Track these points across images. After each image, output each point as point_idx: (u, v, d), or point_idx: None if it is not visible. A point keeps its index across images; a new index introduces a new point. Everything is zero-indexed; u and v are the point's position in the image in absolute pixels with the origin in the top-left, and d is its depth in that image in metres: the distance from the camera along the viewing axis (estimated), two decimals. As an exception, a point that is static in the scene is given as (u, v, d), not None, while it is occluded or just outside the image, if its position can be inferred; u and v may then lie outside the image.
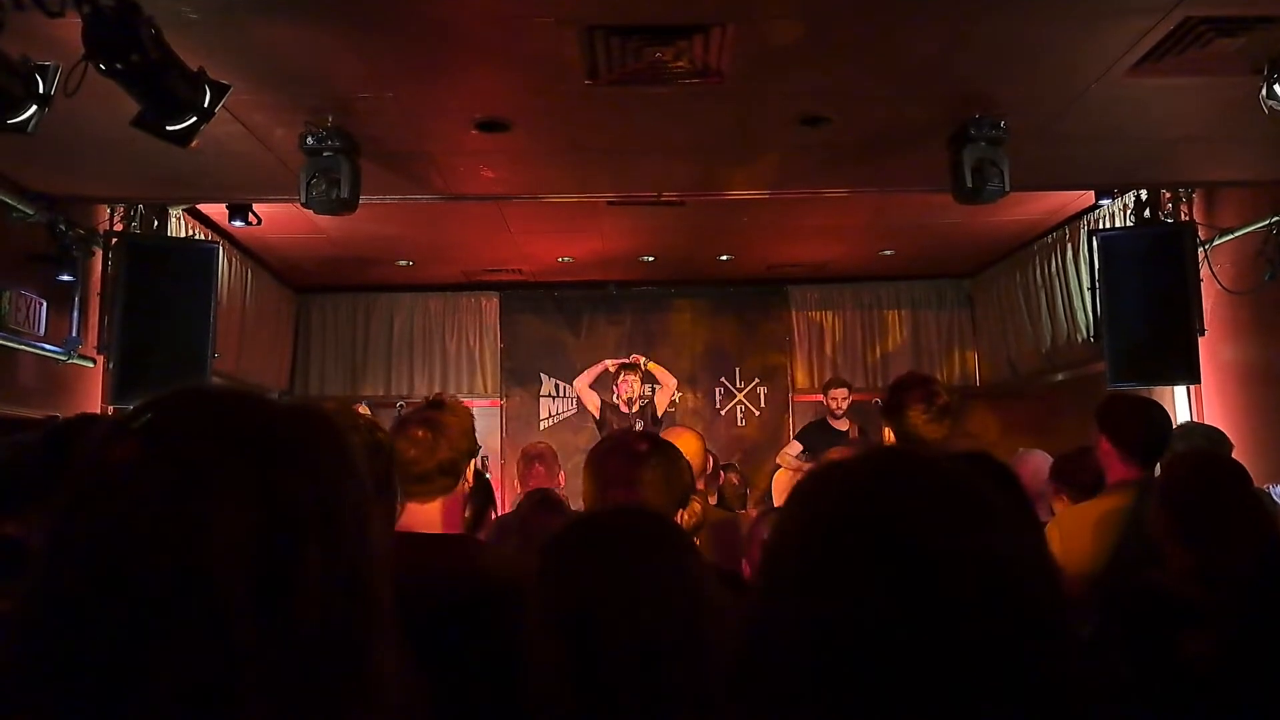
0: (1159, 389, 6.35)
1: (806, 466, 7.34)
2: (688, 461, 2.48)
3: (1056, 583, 0.86)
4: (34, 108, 3.68)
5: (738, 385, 9.84)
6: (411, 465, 2.20)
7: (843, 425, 7.54)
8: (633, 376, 6.86)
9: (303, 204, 5.02)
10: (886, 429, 3.34)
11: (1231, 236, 6.24)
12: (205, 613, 0.71)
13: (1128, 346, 6.38)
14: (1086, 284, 7.08)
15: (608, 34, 4.00)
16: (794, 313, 9.93)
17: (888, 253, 8.74)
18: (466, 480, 2.33)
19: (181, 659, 0.69)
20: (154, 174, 5.43)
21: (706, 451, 4.09)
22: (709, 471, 4.43)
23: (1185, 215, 6.66)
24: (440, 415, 2.27)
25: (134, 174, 5.52)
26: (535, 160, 5.72)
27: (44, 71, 3.69)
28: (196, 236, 7.05)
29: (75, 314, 6.15)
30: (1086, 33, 4.05)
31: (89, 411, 5.71)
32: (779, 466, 8.09)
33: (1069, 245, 7.66)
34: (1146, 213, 6.81)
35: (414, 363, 9.74)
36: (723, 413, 9.80)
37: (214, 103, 3.86)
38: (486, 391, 9.65)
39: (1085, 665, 0.82)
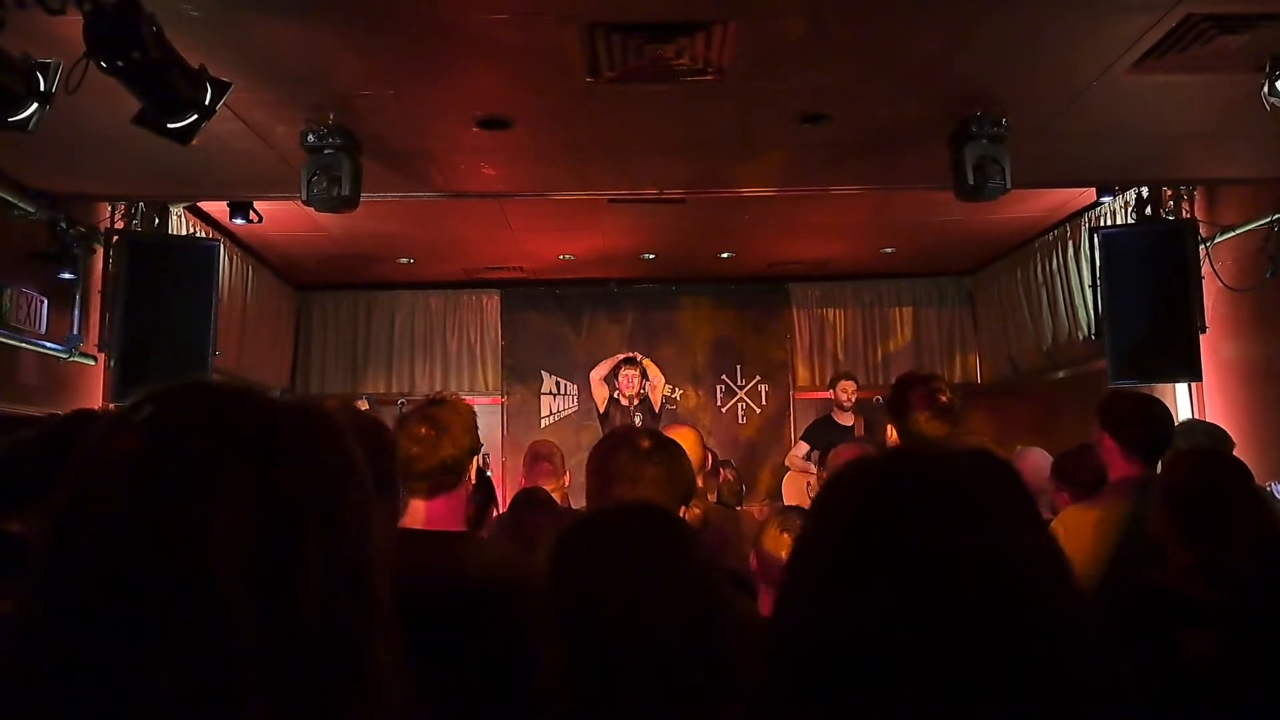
0: (1160, 386, 6.35)
1: (813, 468, 7.38)
2: (690, 459, 2.48)
3: (1064, 580, 0.86)
4: (35, 105, 3.67)
5: (739, 383, 9.84)
6: (414, 462, 2.20)
7: (847, 420, 7.56)
8: (632, 372, 6.91)
9: (304, 201, 5.02)
10: (890, 426, 3.35)
11: (1233, 234, 6.24)
12: (205, 611, 0.70)
13: (1129, 344, 6.38)
14: (1088, 281, 7.08)
15: (609, 31, 4.00)
16: (795, 310, 9.93)
17: (889, 250, 8.74)
18: (470, 478, 2.34)
19: (181, 658, 0.69)
20: (155, 172, 5.43)
21: (705, 448, 4.09)
22: (708, 468, 4.42)
23: (1186, 212, 6.65)
24: (443, 412, 2.27)
25: (135, 172, 5.52)
26: (536, 158, 5.71)
27: (45, 69, 3.68)
28: (197, 234, 7.04)
29: (76, 312, 6.16)
30: (1088, 30, 4.04)
31: (93, 408, 5.71)
32: (787, 469, 8.12)
33: (1070, 243, 7.65)
34: (1148, 210, 6.81)
35: (415, 360, 9.75)
36: (724, 410, 9.80)
37: (215, 100, 3.86)
38: (487, 389, 9.65)
39: (1093, 664, 0.82)
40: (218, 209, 7.04)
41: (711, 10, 3.88)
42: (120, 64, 3.31)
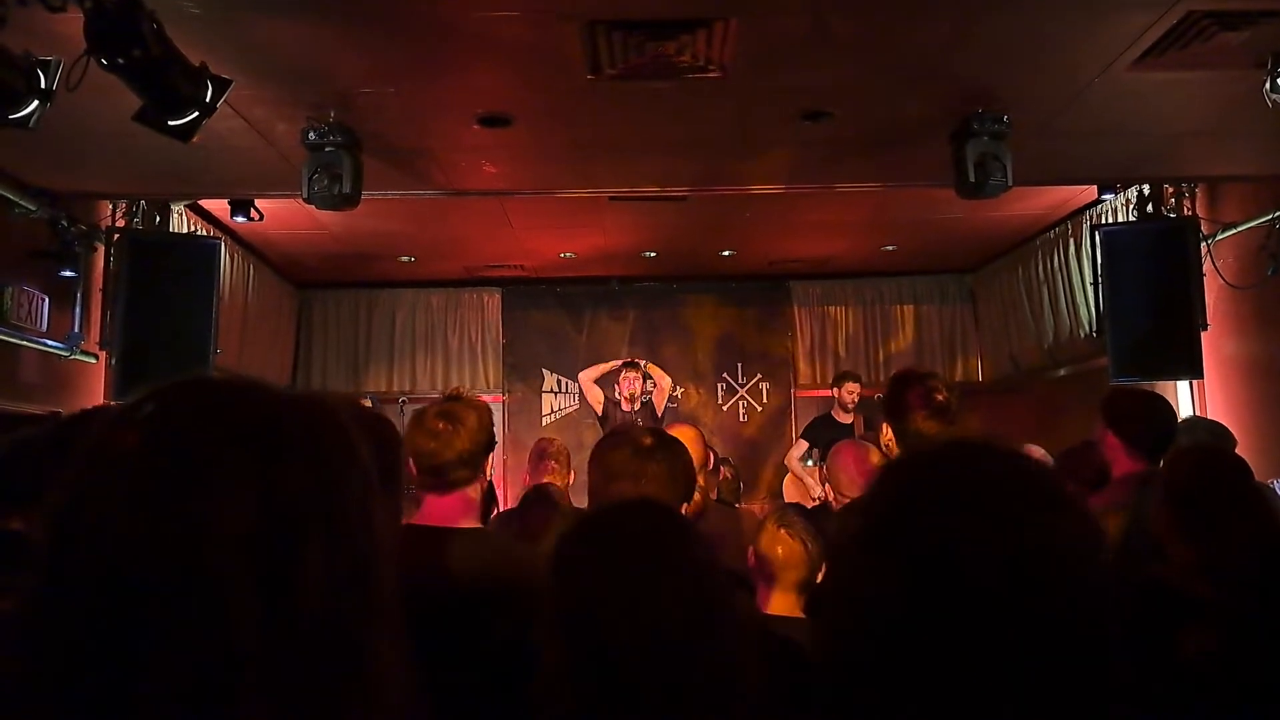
0: (1162, 384, 6.35)
1: (809, 478, 7.39)
2: (691, 456, 2.48)
3: (1093, 576, 0.85)
4: (36, 103, 3.67)
5: (740, 381, 9.84)
6: (430, 457, 2.21)
7: (847, 419, 7.56)
8: (634, 374, 6.91)
9: (304, 199, 5.03)
10: (885, 425, 3.34)
11: (1234, 231, 6.23)
12: (205, 610, 0.70)
13: (1130, 341, 6.38)
14: (1089, 279, 7.08)
15: (610, 28, 4.00)
16: (796, 308, 9.92)
17: (890, 248, 8.74)
18: (486, 474, 2.35)
19: (181, 656, 0.69)
20: (156, 170, 5.43)
21: (706, 446, 4.08)
22: (710, 466, 4.42)
23: (1188, 210, 6.65)
24: (458, 408, 2.29)
25: (136, 170, 5.52)
26: (537, 155, 5.71)
27: (46, 66, 3.68)
28: (198, 232, 7.04)
29: (77, 310, 6.16)
30: (1089, 27, 4.04)
31: (98, 405, 5.71)
32: (788, 469, 8.12)
33: (1071, 240, 7.65)
34: (1149, 208, 6.80)
35: (416, 359, 9.75)
36: (725, 408, 9.80)
37: (216, 98, 3.86)
38: (489, 387, 9.65)
39: (1118, 663, 0.82)
40: (219, 207, 7.04)
41: (713, 7, 3.88)
42: (121, 61, 3.31)
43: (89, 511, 0.74)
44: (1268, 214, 5.86)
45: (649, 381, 7.59)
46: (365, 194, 5.11)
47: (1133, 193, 6.92)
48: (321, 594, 0.74)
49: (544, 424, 9.54)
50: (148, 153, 4.72)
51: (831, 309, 9.92)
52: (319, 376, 9.53)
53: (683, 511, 2.30)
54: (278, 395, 0.83)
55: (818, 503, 6.91)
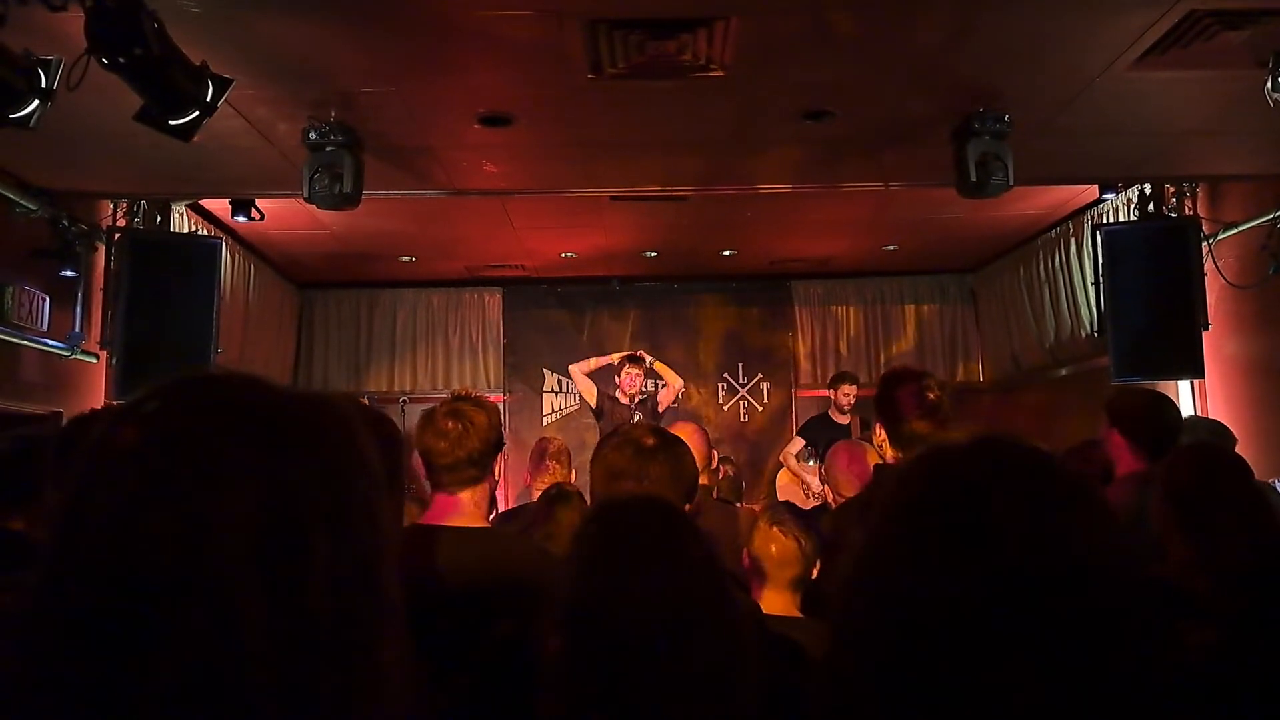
0: (1163, 383, 6.34)
1: (806, 474, 7.38)
2: (693, 456, 2.48)
3: (1135, 562, 0.86)
4: (36, 102, 3.67)
5: (741, 380, 9.84)
6: (440, 456, 2.23)
7: (844, 420, 7.55)
8: (636, 370, 6.86)
9: (305, 199, 5.03)
10: (878, 425, 3.33)
11: (1236, 230, 6.23)
12: (210, 607, 0.70)
13: (1132, 341, 6.37)
14: (1090, 279, 7.07)
15: (611, 27, 4.00)
16: (797, 308, 9.92)
17: (891, 248, 8.74)
18: (495, 474, 2.37)
19: (186, 654, 0.69)
20: (156, 169, 5.43)
21: (710, 444, 4.09)
22: (713, 465, 4.43)
23: (1189, 209, 6.64)
24: (468, 408, 2.31)
25: (137, 169, 5.53)
26: (538, 155, 5.71)
27: (46, 66, 3.69)
28: (199, 232, 7.04)
29: (78, 309, 6.16)
30: (1090, 26, 4.04)
31: (102, 405, 5.72)
32: (781, 465, 8.12)
33: (1073, 240, 7.65)
34: (1150, 207, 6.80)
35: (417, 359, 9.75)
36: (726, 408, 9.80)
37: (216, 97, 3.86)
38: (490, 387, 9.64)
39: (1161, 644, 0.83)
40: (219, 207, 7.04)
41: (714, 6, 3.88)
42: (122, 60, 3.31)
43: (93, 509, 0.74)
44: (1269, 213, 5.86)
45: (658, 382, 7.57)
46: (366, 194, 5.11)
47: (1134, 192, 6.92)
48: (327, 591, 0.74)
49: (545, 424, 9.54)
50: (148, 152, 4.72)
51: (832, 309, 9.92)
52: (320, 376, 9.53)
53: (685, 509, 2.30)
54: (282, 391, 0.83)
55: (817, 501, 6.91)
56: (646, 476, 2.19)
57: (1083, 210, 7.48)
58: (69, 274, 5.97)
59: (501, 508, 5.56)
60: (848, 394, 7.61)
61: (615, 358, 7.21)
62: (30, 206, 5.67)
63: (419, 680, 0.83)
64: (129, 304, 6.16)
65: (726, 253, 8.80)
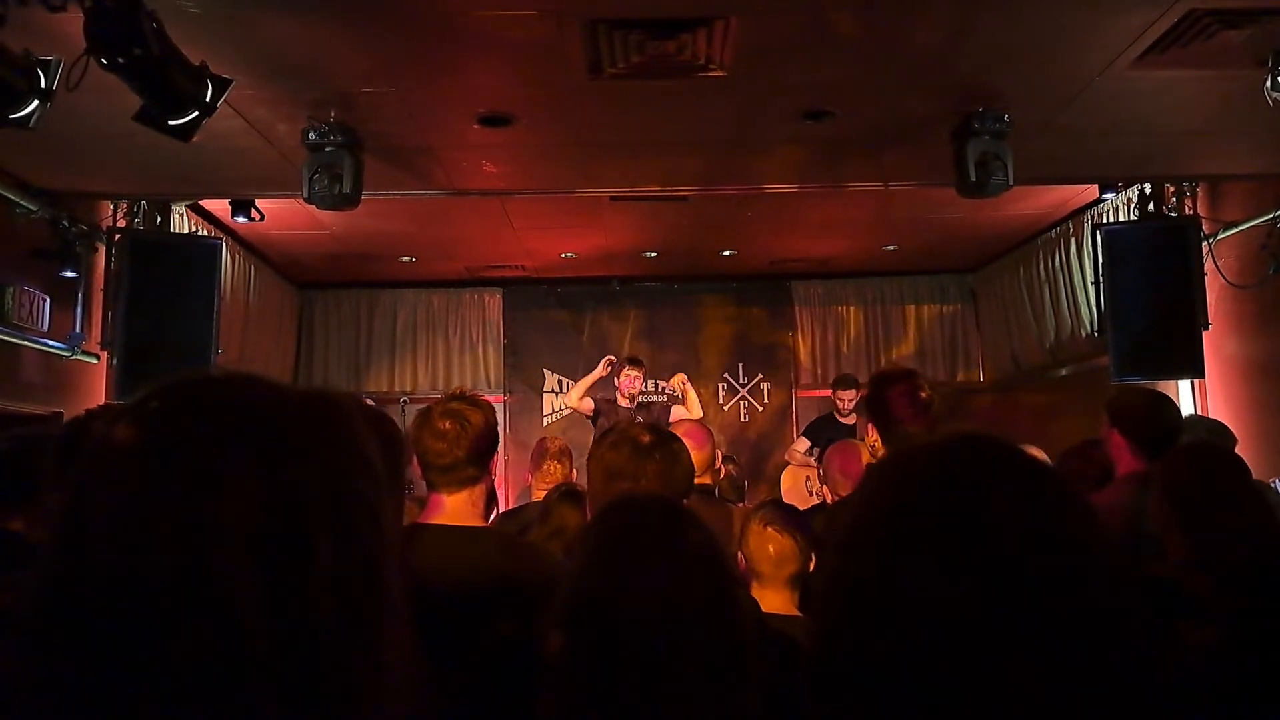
0: (1163, 383, 6.34)
1: (814, 463, 7.37)
2: (690, 454, 2.48)
3: (1120, 557, 0.86)
4: (36, 102, 3.68)
5: (741, 381, 9.84)
6: (438, 457, 2.23)
7: (850, 421, 7.56)
8: (636, 373, 6.84)
9: (305, 199, 5.03)
10: (869, 425, 3.33)
11: (1236, 230, 6.23)
12: (211, 608, 0.70)
13: (1132, 341, 6.37)
14: (1090, 278, 7.07)
15: (610, 27, 4.00)
16: (797, 308, 9.92)
17: (891, 248, 8.74)
18: (492, 474, 2.36)
19: (187, 655, 0.69)
20: (157, 170, 5.44)
21: (714, 446, 4.08)
22: (717, 465, 4.42)
23: (1189, 209, 6.64)
24: (464, 407, 2.31)
25: (137, 170, 5.53)
26: (538, 155, 5.71)
27: (46, 66, 3.69)
28: (199, 233, 7.05)
29: (79, 310, 6.17)
30: (1091, 26, 4.04)
31: (101, 405, 5.72)
32: (787, 464, 8.11)
33: (1073, 240, 7.65)
34: (1150, 207, 6.80)
35: (417, 359, 9.75)
36: (726, 408, 9.79)
37: (216, 97, 3.86)
38: (490, 387, 9.64)
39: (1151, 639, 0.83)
40: (219, 207, 7.05)
41: (713, 6, 3.88)
42: (121, 61, 3.31)
43: (93, 509, 0.74)
44: (1269, 213, 5.86)
45: (669, 391, 7.43)
46: (366, 194, 5.12)
47: (1134, 192, 6.92)
48: (328, 590, 0.74)
49: (545, 424, 9.54)
50: (148, 153, 4.73)
51: (832, 309, 9.92)
52: (320, 376, 9.53)
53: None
54: (283, 390, 0.83)
55: (817, 501, 6.91)
56: (643, 475, 2.19)
57: (1083, 210, 7.47)
58: (69, 274, 5.98)
59: (503, 507, 5.56)
60: (843, 399, 7.62)
61: (603, 368, 7.05)
62: (30, 207, 5.68)
63: (421, 680, 0.83)
64: (129, 304, 6.16)
65: (726, 253, 8.80)
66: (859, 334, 9.86)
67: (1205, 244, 6.42)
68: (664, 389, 8.89)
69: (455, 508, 2.26)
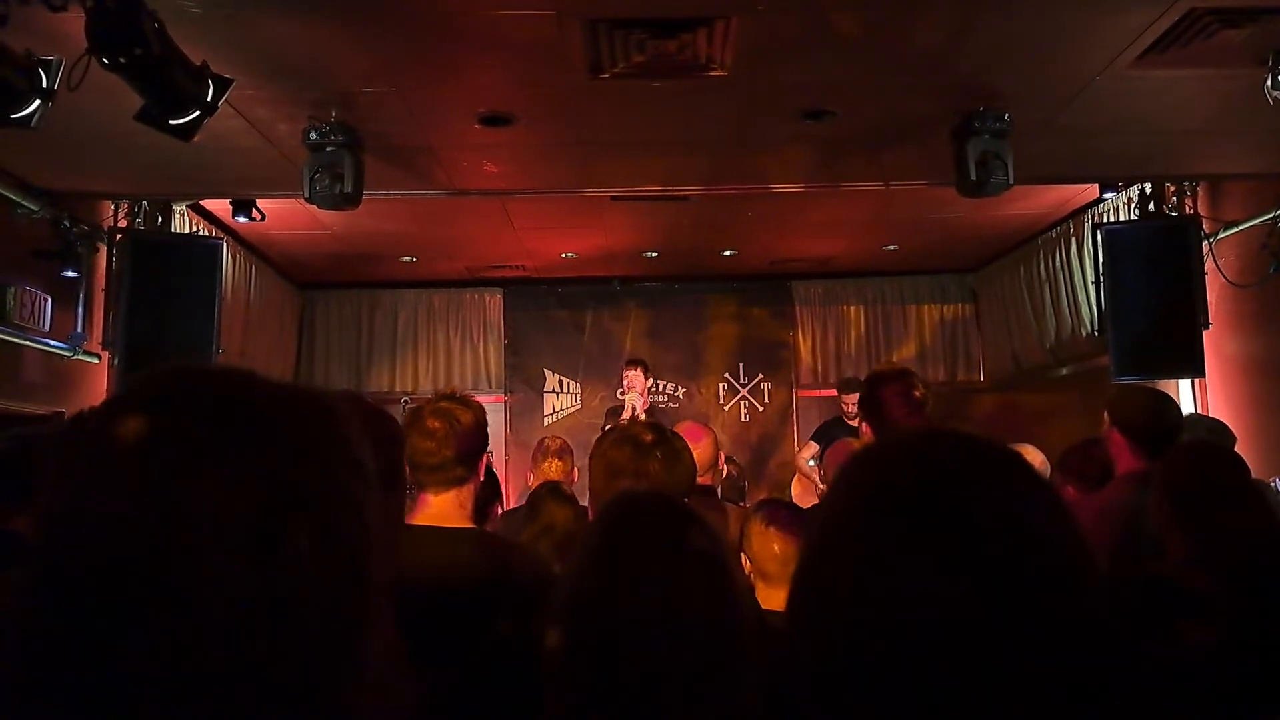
0: (1163, 382, 6.34)
1: (817, 474, 7.36)
2: (692, 453, 2.48)
3: (1089, 550, 0.86)
4: (37, 102, 3.68)
5: (742, 381, 9.83)
6: (426, 456, 2.22)
7: (857, 424, 7.54)
8: (634, 372, 6.83)
9: (306, 199, 5.03)
10: (864, 425, 3.34)
11: (1236, 229, 6.23)
12: (188, 598, 0.70)
13: (1132, 340, 6.37)
14: (1091, 278, 7.07)
15: (611, 27, 4.00)
16: (798, 308, 9.91)
17: (891, 247, 8.74)
18: (480, 474, 2.36)
19: (164, 647, 0.69)
20: (158, 170, 5.44)
21: (717, 447, 4.08)
22: (720, 466, 4.42)
23: (1190, 208, 6.64)
24: (454, 407, 2.30)
25: (138, 170, 5.53)
26: (538, 155, 5.72)
27: (47, 66, 3.69)
28: (200, 233, 7.05)
29: (80, 310, 6.17)
30: (1091, 25, 4.04)
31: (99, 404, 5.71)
32: (796, 470, 8.09)
33: (1073, 239, 7.65)
34: (1151, 206, 6.80)
35: (418, 359, 9.76)
36: (727, 408, 9.79)
37: (217, 97, 3.87)
38: (491, 387, 9.65)
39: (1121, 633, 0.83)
40: (220, 207, 7.05)
41: (714, 6, 3.88)
42: (122, 61, 3.32)
43: (78, 502, 0.74)
44: (1269, 212, 5.86)
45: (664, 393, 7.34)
46: (366, 194, 5.12)
47: (1134, 191, 6.92)
48: (309, 582, 0.74)
49: (546, 424, 9.54)
50: (149, 153, 4.73)
51: (833, 309, 9.91)
52: (321, 377, 9.53)
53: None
54: (266, 383, 0.83)
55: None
56: (645, 473, 2.19)
57: (1083, 209, 7.47)
58: (71, 274, 5.98)
59: (507, 507, 5.56)
60: (848, 402, 7.62)
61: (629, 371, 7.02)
62: (32, 207, 5.68)
63: (406, 676, 0.83)
64: (130, 304, 6.17)
65: (727, 253, 8.81)
66: (860, 334, 9.86)
67: (1205, 243, 6.41)
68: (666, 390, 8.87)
69: (440, 508, 2.25)
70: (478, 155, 5.58)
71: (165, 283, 6.25)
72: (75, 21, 3.26)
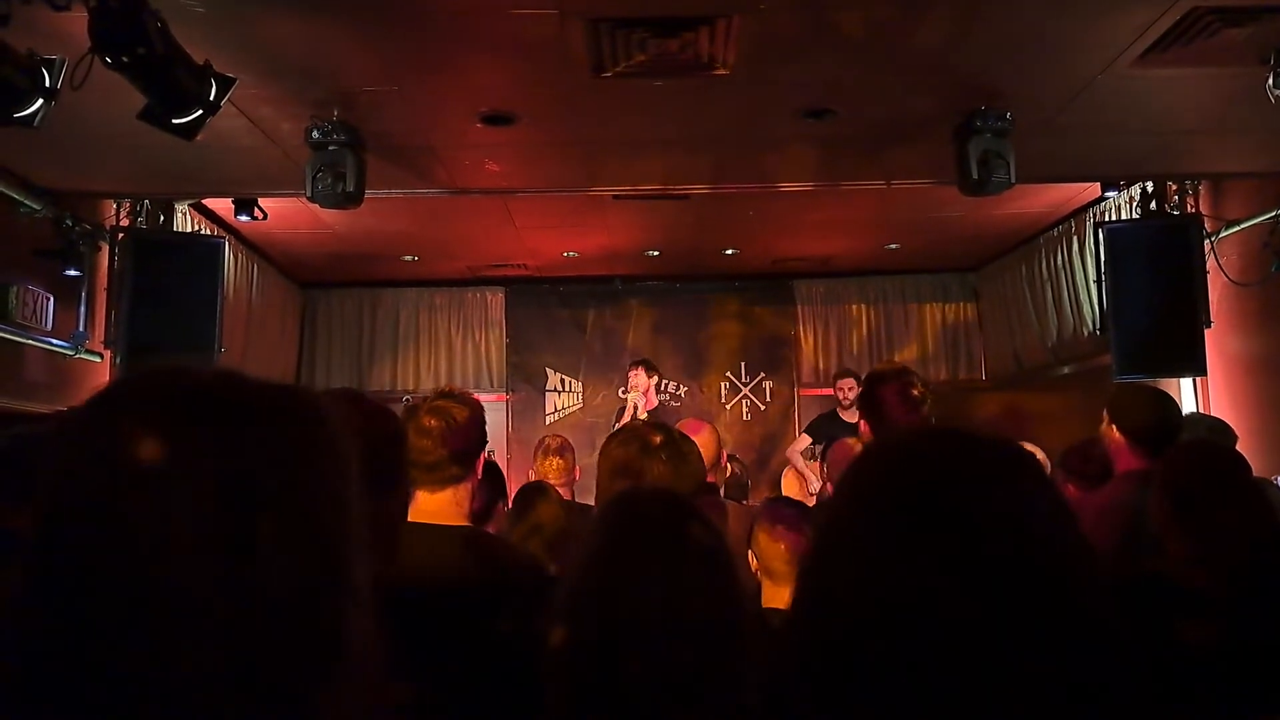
0: (1165, 381, 6.34)
1: (810, 473, 7.37)
2: (700, 454, 2.49)
3: (1089, 547, 0.86)
4: (40, 101, 3.68)
5: (744, 379, 9.83)
6: (422, 454, 2.21)
7: (852, 417, 7.54)
8: (635, 372, 6.83)
9: (308, 198, 5.04)
10: (863, 423, 3.34)
11: (1238, 228, 6.22)
12: (164, 590, 0.71)
13: (1134, 339, 6.37)
14: (1092, 277, 7.06)
15: (613, 26, 4.00)
16: (800, 307, 9.91)
17: (893, 246, 8.74)
18: (477, 473, 2.35)
19: (142, 642, 0.70)
20: (160, 169, 5.45)
21: (720, 445, 4.09)
22: (722, 464, 4.42)
23: (1191, 207, 6.64)
24: (451, 405, 2.29)
25: (140, 169, 5.54)
26: (540, 154, 5.72)
27: (50, 65, 3.69)
28: (202, 232, 7.06)
29: (82, 309, 6.18)
30: (1092, 24, 4.04)
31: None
32: (788, 461, 8.11)
33: (1075, 238, 7.64)
34: (1152, 205, 6.79)
35: (420, 358, 9.76)
36: (729, 407, 9.79)
37: (220, 96, 3.87)
38: (492, 386, 9.66)
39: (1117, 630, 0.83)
40: (223, 206, 7.06)
41: (716, 5, 3.88)
42: (125, 60, 3.32)
43: (61, 502, 0.75)
44: (1271, 211, 5.85)
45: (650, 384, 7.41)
46: (369, 193, 5.12)
47: (1136, 190, 6.91)
48: (279, 579, 0.75)
49: (547, 423, 9.54)
50: (152, 151, 4.74)
51: (835, 308, 9.92)
52: (323, 376, 9.54)
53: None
54: (248, 382, 0.84)
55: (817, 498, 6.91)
56: (649, 472, 2.19)
57: (1085, 208, 7.47)
58: (73, 273, 5.99)
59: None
60: (844, 389, 7.62)
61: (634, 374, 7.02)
62: (34, 206, 5.69)
63: (386, 672, 0.84)
64: (133, 303, 6.17)
65: (729, 252, 8.81)
66: (861, 333, 9.85)
67: (1207, 242, 6.41)
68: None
69: (433, 506, 2.24)
70: (480, 154, 5.58)
71: (167, 282, 6.26)
72: (78, 21, 3.26)
